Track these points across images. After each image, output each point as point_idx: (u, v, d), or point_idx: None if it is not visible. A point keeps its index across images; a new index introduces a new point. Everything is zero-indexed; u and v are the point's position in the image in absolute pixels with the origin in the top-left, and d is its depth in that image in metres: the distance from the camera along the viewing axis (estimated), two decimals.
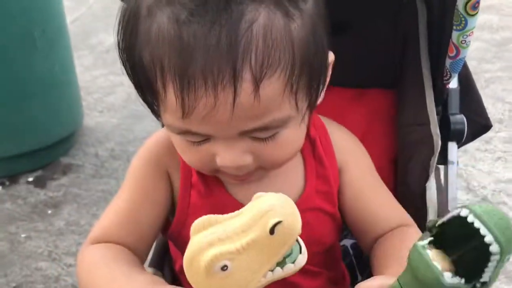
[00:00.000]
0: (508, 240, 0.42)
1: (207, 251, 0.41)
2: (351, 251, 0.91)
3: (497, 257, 0.42)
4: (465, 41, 0.77)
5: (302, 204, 0.64)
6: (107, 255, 0.66)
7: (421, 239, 0.47)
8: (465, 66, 0.93)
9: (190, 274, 0.43)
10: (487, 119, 0.98)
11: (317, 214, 0.72)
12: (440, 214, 0.78)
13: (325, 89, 0.66)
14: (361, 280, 0.91)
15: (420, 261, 0.44)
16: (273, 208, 0.42)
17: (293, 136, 0.62)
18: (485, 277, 0.44)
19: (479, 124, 0.99)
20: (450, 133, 0.91)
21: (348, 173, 0.76)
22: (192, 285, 0.44)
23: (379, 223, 0.73)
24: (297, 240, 0.47)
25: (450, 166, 0.91)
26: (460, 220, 0.44)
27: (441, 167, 0.95)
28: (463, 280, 0.44)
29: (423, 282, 0.44)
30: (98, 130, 2.40)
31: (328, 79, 0.66)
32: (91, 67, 3.04)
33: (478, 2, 0.72)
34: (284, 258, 0.46)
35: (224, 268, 0.41)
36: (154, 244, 0.76)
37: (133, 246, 0.69)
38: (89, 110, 2.56)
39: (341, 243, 0.91)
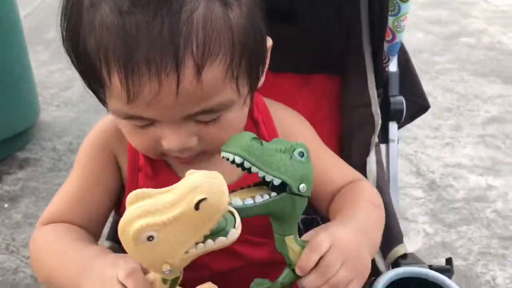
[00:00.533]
0: (242, 145, 0.53)
1: (135, 222, 0.44)
2: (301, 226, 0.96)
3: (246, 163, 0.52)
4: (400, 25, 0.83)
5: (243, 182, 0.68)
6: (59, 233, 0.68)
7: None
8: (403, 51, 1.00)
9: (123, 243, 0.46)
10: (425, 100, 1.05)
11: None
12: (379, 186, 0.84)
13: (264, 73, 0.69)
14: None
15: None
16: (200, 185, 0.45)
17: (236, 118, 0.65)
18: (272, 179, 0.53)
19: (418, 105, 1.05)
20: (390, 114, 0.97)
21: None
22: (127, 252, 0.47)
23: (330, 184, 0.76)
24: (233, 215, 0.50)
25: (391, 144, 0.98)
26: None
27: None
28: (249, 200, 0.53)
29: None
30: (56, 125, 2.38)
31: (267, 63, 0.70)
32: (48, 62, 3.00)
33: None
34: (218, 231, 0.48)
35: (150, 238, 0.44)
36: (112, 219, 0.79)
37: (84, 226, 0.71)
38: (46, 105, 2.54)
39: None
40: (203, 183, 0.45)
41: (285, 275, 0.57)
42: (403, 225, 1.76)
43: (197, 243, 0.47)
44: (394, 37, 0.85)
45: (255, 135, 0.54)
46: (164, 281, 0.51)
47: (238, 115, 0.66)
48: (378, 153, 0.91)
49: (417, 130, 2.36)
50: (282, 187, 0.53)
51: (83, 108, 2.54)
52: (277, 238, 0.57)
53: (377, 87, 0.96)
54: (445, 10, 4.03)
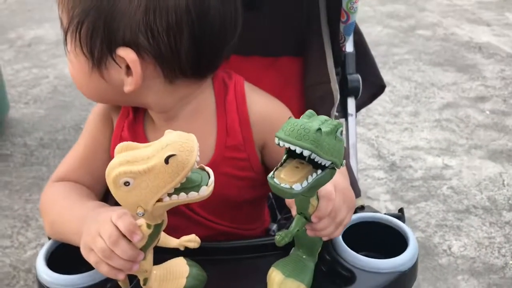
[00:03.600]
0: (309, 136, 0.51)
1: (116, 168, 0.51)
2: (271, 195, 1.05)
3: (313, 154, 0.51)
4: (353, 7, 0.92)
5: (217, 158, 0.76)
6: (65, 189, 0.76)
7: (273, 170, 0.55)
8: (358, 33, 1.09)
9: (108, 185, 0.53)
10: (381, 79, 1.15)
11: (224, 179, 0.78)
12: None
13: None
14: (281, 219, 1.05)
15: (274, 188, 0.54)
16: (172, 143, 0.51)
17: (71, 62, 0.72)
18: (325, 163, 0.53)
19: (376, 85, 1.15)
20: (348, 90, 1.06)
21: (268, 147, 0.81)
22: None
23: None
24: (209, 174, 0.56)
25: (350, 118, 1.07)
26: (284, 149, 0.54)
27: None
28: (305, 183, 0.54)
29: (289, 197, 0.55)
30: (25, 121, 2.40)
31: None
32: (13, 61, 3.00)
33: None
34: (192, 186, 0.55)
35: (126, 183, 0.51)
36: None
37: (89, 185, 0.78)
38: (14, 102, 2.55)
39: None
40: (175, 142, 0.52)
41: (297, 223, 0.61)
42: (366, 203, 1.88)
43: (171, 194, 0.53)
44: (348, 18, 0.94)
45: (316, 125, 0.53)
46: (148, 226, 0.58)
47: (72, 60, 0.72)
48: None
49: (378, 116, 2.48)
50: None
51: (52, 105, 2.56)
52: (303, 199, 0.60)
53: (336, 66, 1.05)
54: (402, 5, 4.20)
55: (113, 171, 0.51)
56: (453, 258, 1.62)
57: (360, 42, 1.12)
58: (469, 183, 1.98)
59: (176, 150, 0.51)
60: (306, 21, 1.10)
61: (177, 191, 0.53)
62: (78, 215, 0.67)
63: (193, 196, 0.54)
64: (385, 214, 0.75)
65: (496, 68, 3.00)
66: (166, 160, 0.50)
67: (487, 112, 2.51)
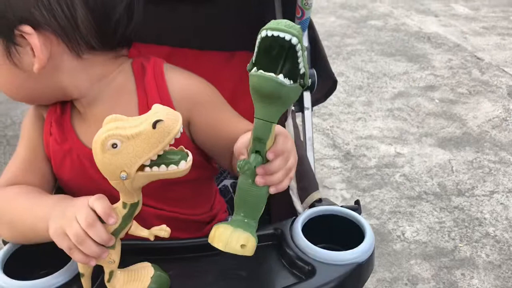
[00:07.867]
0: (296, 29, 0.54)
1: (106, 132, 0.55)
2: (231, 189, 1.06)
3: (298, 46, 0.54)
4: (308, 3, 0.94)
5: None
6: (22, 190, 0.74)
7: (249, 69, 0.57)
8: (312, 29, 1.11)
9: (94, 152, 0.56)
10: (333, 75, 1.17)
11: None
12: (296, 144, 0.95)
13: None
14: None
15: (258, 78, 0.54)
16: (160, 111, 0.56)
17: None
18: (301, 68, 0.56)
19: (329, 81, 1.16)
20: None
21: (194, 124, 0.81)
22: (96, 162, 0.57)
23: (231, 137, 0.75)
24: (188, 154, 0.59)
25: (306, 112, 1.09)
26: (268, 43, 0.56)
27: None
28: (291, 81, 0.55)
29: (266, 96, 0.55)
30: None
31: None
32: None
33: None
34: (173, 161, 0.58)
35: (114, 145, 0.55)
36: None
37: (39, 186, 0.76)
38: None
39: (222, 183, 1.05)
40: (163, 110, 0.57)
41: (254, 159, 0.60)
42: (323, 192, 1.91)
43: (152, 166, 0.57)
44: (303, 14, 0.96)
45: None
46: (124, 205, 0.60)
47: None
48: (294, 118, 1.02)
49: (332, 107, 2.53)
50: None
51: (0, 99, 2.48)
52: (264, 124, 0.58)
53: None
54: None
55: (103, 134, 0.55)
56: (406, 243, 1.69)
57: (313, 38, 1.14)
58: (420, 170, 2.05)
59: (164, 116, 0.55)
60: (262, 16, 1.10)
61: (158, 163, 0.57)
62: (44, 207, 0.66)
63: (172, 169, 0.57)
64: (341, 206, 0.77)
65: (444, 57, 3.10)
66: (154, 125, 0.54)
67: (436, 101, 2.60)
